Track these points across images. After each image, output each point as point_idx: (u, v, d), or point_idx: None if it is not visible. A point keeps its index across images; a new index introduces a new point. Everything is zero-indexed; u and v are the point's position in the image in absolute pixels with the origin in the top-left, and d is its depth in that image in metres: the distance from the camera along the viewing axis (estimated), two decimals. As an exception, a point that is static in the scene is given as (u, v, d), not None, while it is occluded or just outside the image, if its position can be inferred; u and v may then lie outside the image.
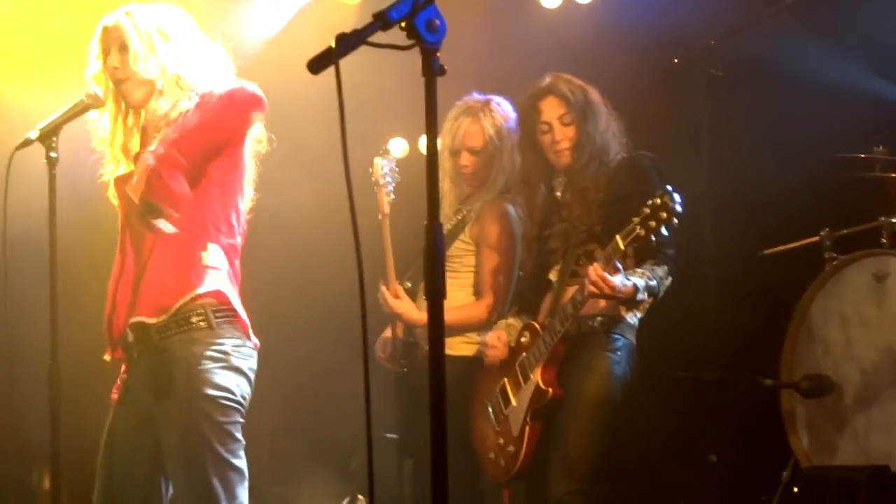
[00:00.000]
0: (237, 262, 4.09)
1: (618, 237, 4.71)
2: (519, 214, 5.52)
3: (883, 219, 5.70)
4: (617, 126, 5.23)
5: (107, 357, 4.13)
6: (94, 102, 4.17)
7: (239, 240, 4.10)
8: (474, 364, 5.44)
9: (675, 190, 4.62)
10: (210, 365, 3.91)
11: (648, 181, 4.95)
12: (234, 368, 3.95)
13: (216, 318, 3.94)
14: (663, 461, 6.30)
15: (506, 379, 5.24)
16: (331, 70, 2.77)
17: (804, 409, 5.75)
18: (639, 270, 4.88)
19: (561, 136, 5.20)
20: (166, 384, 3.93)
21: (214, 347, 3.92)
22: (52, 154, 4.21)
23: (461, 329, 5.47)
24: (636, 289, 4.82)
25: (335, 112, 2.78)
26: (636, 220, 4.64)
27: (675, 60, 6.04)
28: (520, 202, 5.48)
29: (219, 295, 3.96)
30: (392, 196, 5.60)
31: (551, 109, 5.22)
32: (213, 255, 3.99)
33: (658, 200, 4.60)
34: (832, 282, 5.74)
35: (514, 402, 5.16)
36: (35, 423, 4.78)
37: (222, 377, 3.92)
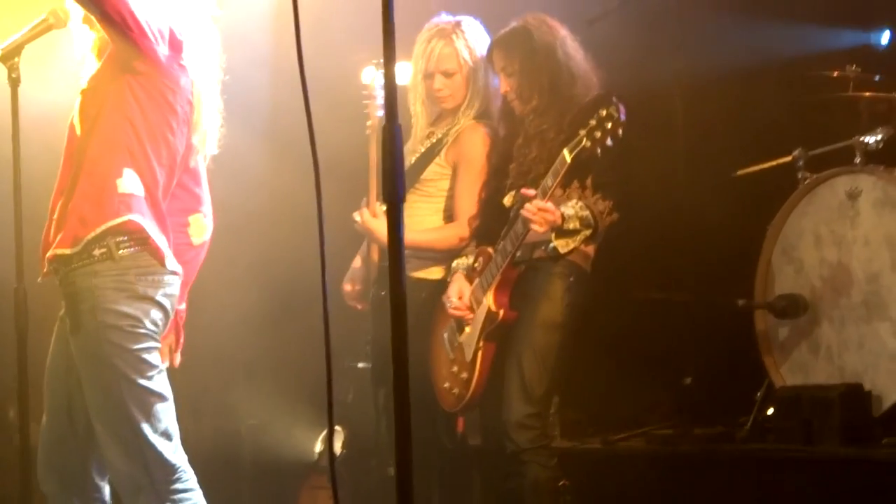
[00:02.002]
0: (159, 189, 4.00)
1: (565, 150, 4.67)
2: (496, 141, 5.47)
3: (856, 137, 5.65)
4: (586, 68, 5.15)
5: (39, 279, 4.10)
6: (56, 22, 4.11)
7: (161, 171, 4.01)
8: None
9: (620, 101, 4.57)
10: (113, 295, 3.88)
11: None
12: (139, 297, 3.90)
13: (119, 248, 3.89)
14: (637, 384, 6.28)
15: None
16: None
17: (778, 330, 5.73)
18: (572, 201, 4.83)
19: (505, 87, 5.16)
20: (75, 318, 3.92)
21: (117, 278, 3.89)
22: (14, 74, 4.16)
23: (429, 251, 5.42)
24: (563, 216, 4.78)
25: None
26: (582, 132, 4.61)
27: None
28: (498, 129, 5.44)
29: (129, 224, 3.90)
30: (382, 111, 5.53)
31: (497, 61, 5.19)
32: (129, 180, 3.93)
33: (603, 112, 4.57)
34: (805, 201, 5.72)
35: (468, 328, 5.14)
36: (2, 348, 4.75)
37: (128, 306, 3.88)
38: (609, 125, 4.56)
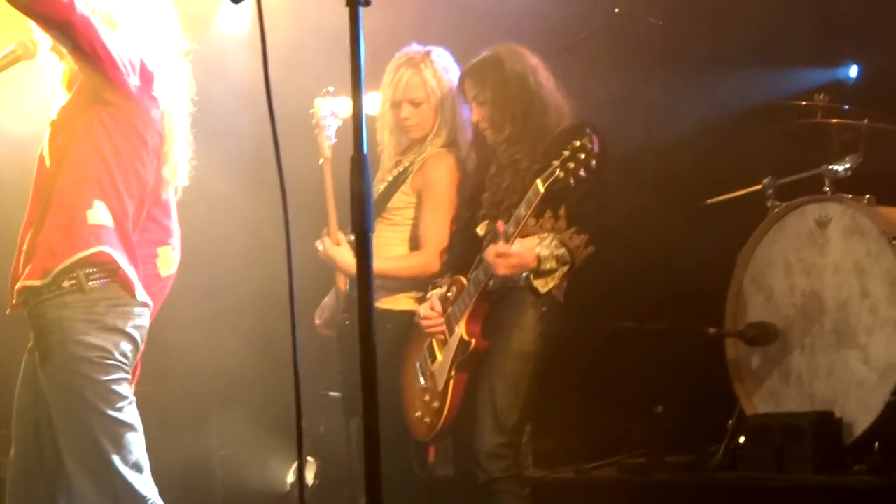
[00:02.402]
0: (129, 221, 4.00)
1: (538, 181, 4.69)
2: (463, 169, 5.48)
3: (825, 166, 5.68)
4: (559, 96, 5.16)
5: (7, 311, 4.09)
6: (25, 53, 4.11)
7: (130, 203, 4.00)
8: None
9: (594, 133, 4.59)
10: (82, 327, 3.87)
11: None
12: (109, 328, 3.90)
13: (89, 280, 3.88)
14: (610, 413, 6.29)
15: (432, 337, 5.22)
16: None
17: (749, 358, 5.74)
18: (546, 241, 4.85)
19: (477, 116, 5.17)
20: (44, 349, 3.91)
21: (86, 309, 3.88)
22: None
23: (395, 279, 5.41)
24: (538, 257, 4.82)
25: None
26: (556, 162, 4.62)
27: (616, 10, 6.03)
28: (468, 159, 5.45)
29: (99, 255, 3.89)
30: (333, 139, 5.53)
31: (469, 91, 5.21)
32: (98, 212, 3.92)
33: (577, 143, 4.58)
34: (775, 229, 5.74)
35: (440, 356, 5.14)
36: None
37: (96, 338, 3.87)
38: (582, 156, 4.57)
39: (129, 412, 3.94)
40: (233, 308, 7.12)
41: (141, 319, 3.98)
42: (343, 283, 5.63)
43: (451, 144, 5.49)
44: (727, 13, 6.55)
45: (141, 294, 3.96)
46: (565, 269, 4.88)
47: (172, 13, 4.22)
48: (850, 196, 5.48)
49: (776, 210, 5.72)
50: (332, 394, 6.51)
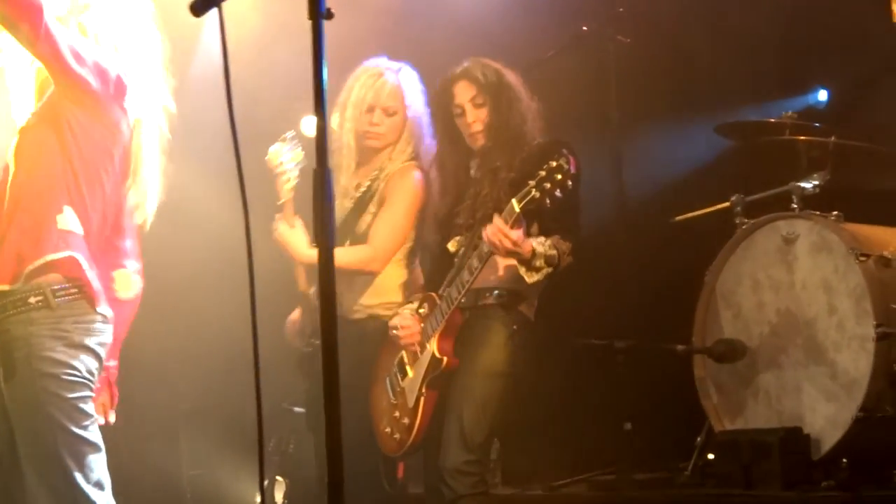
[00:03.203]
0: (92, 233, 3.99)
1: (513, 200, 4.71)
2: (427, 186, 5.48)
3: (793, 183, 5.70)
4: (535, 109, 5.21)
5: None
6: None
7: (94, 215, 4.00)
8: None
9: (570, 153, 4.61)
10: (50, 343, 3.84)
11: None
12: (76, 345, 3.87)
13: (56, 296, 3.86)
14: (579, 430, 6.28)
15: (404, 351, 5.22)
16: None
17: (717, 374, 5.75)
18: (540, 238, 4.88)
19: (473, 118, 5.20)
20: (9, 365, 3.87)
21: (53, 326, 3.85)
22: None
23: (343, 268, 5.40)
24: (534, 251, 4.82)
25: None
26: (532, 182, 4.65)
27: (584, 28, 6.04)
28: (434, 177, 5.45)
29: (69, 262, 3.88)
30: (294, 181, 5.47)
31: (463, 92, 5.23)
32: (68, 217, 3.91)
33: (553, 163, 4.61)
34: (743, 246, 5.74)
35: (410, 373, 5.14)
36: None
37: (64, 355, 3.85)
38: (558, 176, 4.59)
39: (93, 431, 3.92)
40: (202, 325, 7.09)
41: (104, 336, 3.96)
42: (304, 283, 5.62)
43: (415, 159, 5.51)
44: (695, 41, 6.59)
45: (104, 308, 3.94)
46: (549, 270, 4.90)
47: (155, 34, 4.21)
48: (818, 213, 5.50)
49: (744, 227, 5.73)
50: (296, 409, 6.48)
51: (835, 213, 5.46)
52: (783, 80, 6.71)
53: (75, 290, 3.89)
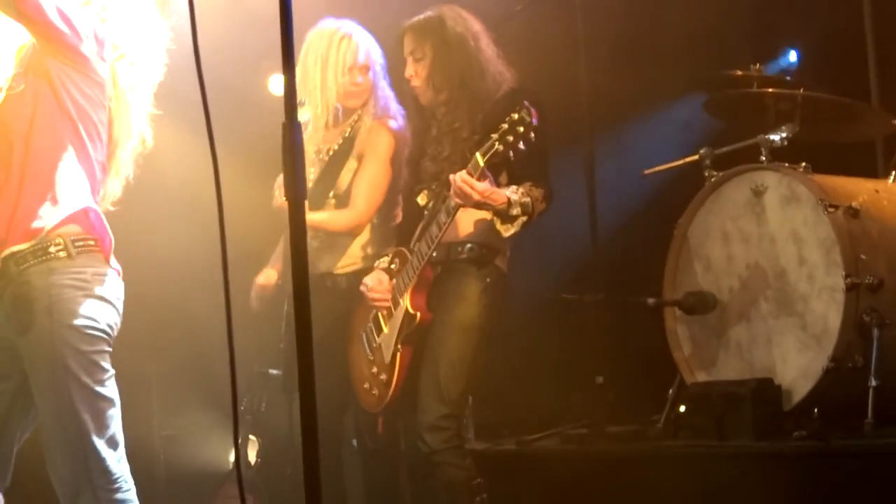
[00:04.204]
0: (97, 184, 4.00)
1: (477, 154, 4.69)
2: (399, 140, 5.49)
3: (761, 136, 5.70)
4: (497, 60, 5.16)
5: None
6: None
7: (97, 167, 4.01)
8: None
9: (532, 105, 4.59)
10: (71, 294, 3.81)
11: None
12: (96, 297, 3.85)
13: (75, 247, 3.84)
14: (551, 384, 6.30)
15: (377, 309, 5.21)
16: None
17: (688, 327, 5.76)
18: (513, 187, 4.86)
19: (411, 73, 5.16)
20: (27, 317, 3.82)
21: (74, 276, 3.83)
22: None
23: (320, 231, 5.41)
24: (509, 200, 4.79)
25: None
26: (494, 136, 4.63)
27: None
28: (403, 132, 5.46)
29: (84, 215, 3.87)
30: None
31: (407, 44, 5.19)
32: (77, 175, 3.90)
33: (515, 116, 4.59)
34: (712, 198, 5.75)
35: (385, 329, 5.14)
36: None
37: (85, 306, 3.82)
38: (521, 129, 4.57)
39: (110, 385, 3.89)
40: (172, 285, 7.08)
41: (120, 291, 3.94)
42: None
43: (386, 114, 5.51)
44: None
45: (114, 261, 3.92)
46: (524, 219, 4.87)
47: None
48: (787, 165, 5.51)
49: (713, 179, 5.74)
50: (272, 371, 6.50)
51: (803, 164, 5.47)
52: (754, 44, 6.70)
53: (92, 243, 3.88)
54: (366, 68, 5.52)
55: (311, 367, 2.63)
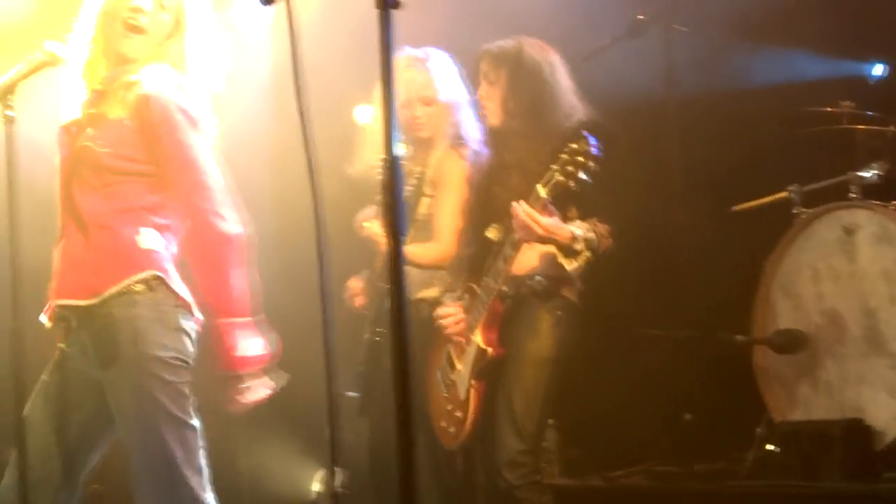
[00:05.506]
0: (174, 243, 4.00)
1: (538, 186, 4.65)
2: (475, 164, 5.49)
3: (851, 172, 5.66)
4: (571, 93, 5.13)
5: (48, 322, 4.07)
6: (51, 60, 4.08)
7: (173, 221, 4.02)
8: None
9: (599, 137, 4.56)
10: (155, 325, 3.82)
11: None
12: (178, 328, 3.86)
13: (155, 280, 3.86)
14: (637, 420, 6.26)
15: (450, 345, 5.21)
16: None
17: (777, 365, 5.72)
18: (577, 222, 4.82)
19: (485, 94, 5.14)
20: (111, 349, 3.83)
21: (155, 309, 3.84)
22: (10, 112, 4.10)
23: (417, 267, 5.41)
24: (573, 235, 4.76)
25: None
26: (555, 167, 4.59)
27: (640, 16, 6.01)
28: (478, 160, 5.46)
29: (155, 277, 3.88)
30: None
31: (483, 67, 5.17)
32: (149, 237, 3.93)
33: (574, 145, 4.55)
34: (802, 236, 5.71)
35: (458, 366, 5.13)
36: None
37: (168, 337, 3.83)
38: (580, 159, 4.53)
39: (194, 415, 3.89)
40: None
41: (194, 323, 3.96)
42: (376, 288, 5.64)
43: (461, 141, 5.50)
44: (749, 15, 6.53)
45: (197, 312, 3.95)
46: (589, 255, 4.84)
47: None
48: (879, 203, 5.46)
49: (803, 217, 5.70)
50: (349, 394, 6.47)
51: (894, 202, 5.42)
52: (841, 45, 6.61)
53: (164, 276, 3.90)
54: (430, 99, 5.50)
55: (409, 409, 2.63)
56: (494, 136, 5.20)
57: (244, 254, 3.95)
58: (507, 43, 5.13)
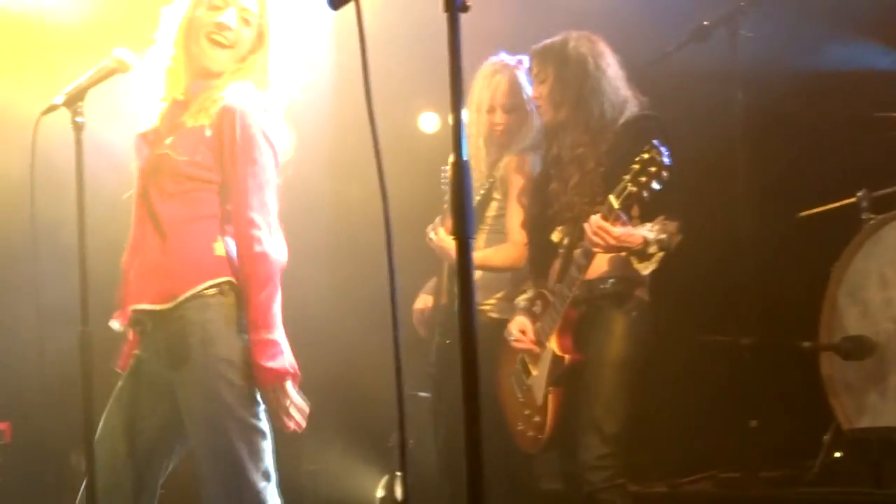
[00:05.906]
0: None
1: (611, 197, 4.65)
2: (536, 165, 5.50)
3: (921, 178, 5.62)
4: (621, 83, 5.10)
5: (119, 326, 4.10)
6: (119, 67, 4.12)
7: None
8: None
9: (662, 144, 4.54)
10: (224, 329, 3.87)
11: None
12: (246, 331, 3.89)
13: (227, 284, 3.90)
14: (703, 427, 6.23)
15: (523, 351, 5.20)
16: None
17: (844, 372, 5.67)
18: (647, 224, 4.80)
19: (537, 94, 5.15)
20: (182, 351, 3.87)
21: (226, 313, 3.88)
22: (79, 119, 4.13)
23: (483, 268, 5.40)
24: (645, 240, 4.74)
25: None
26: (627, 177, 4.58)
27: (705, 22, 5.98)
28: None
29: (229, 283, 3.92)
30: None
31: (533, 67, 5.19)
32: (224, 245, 3.96)
33: (646, 155, 4.54)
34: (870, 242, 5.67)
35: (533, 371, 5.12)
36: (70, 394, 4.74)
37: (238, 341, 3.87)
38: (653, 169, 4.52)
39: (263, 419, 3.91)
40: (320, 321, 7.11)
41: None
42: (445, 297, 5.65)
43: (533, 147, 5.51)
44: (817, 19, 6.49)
45: None
46: (661, 255, 4.82)
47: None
48: (949, 207, 5.41)
49: (872, 222, 5.65)
50: (421, 394, 6.46)
51: (965, 207, 5.38)
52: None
53: (235, 282, 3.93)
54: (511, 105, 5.51)
55: (477, 415, 2.63)
56: (547, 133, 5.21)
57: (275, 278, 3.93)
58: (552, 39, 5.15)
